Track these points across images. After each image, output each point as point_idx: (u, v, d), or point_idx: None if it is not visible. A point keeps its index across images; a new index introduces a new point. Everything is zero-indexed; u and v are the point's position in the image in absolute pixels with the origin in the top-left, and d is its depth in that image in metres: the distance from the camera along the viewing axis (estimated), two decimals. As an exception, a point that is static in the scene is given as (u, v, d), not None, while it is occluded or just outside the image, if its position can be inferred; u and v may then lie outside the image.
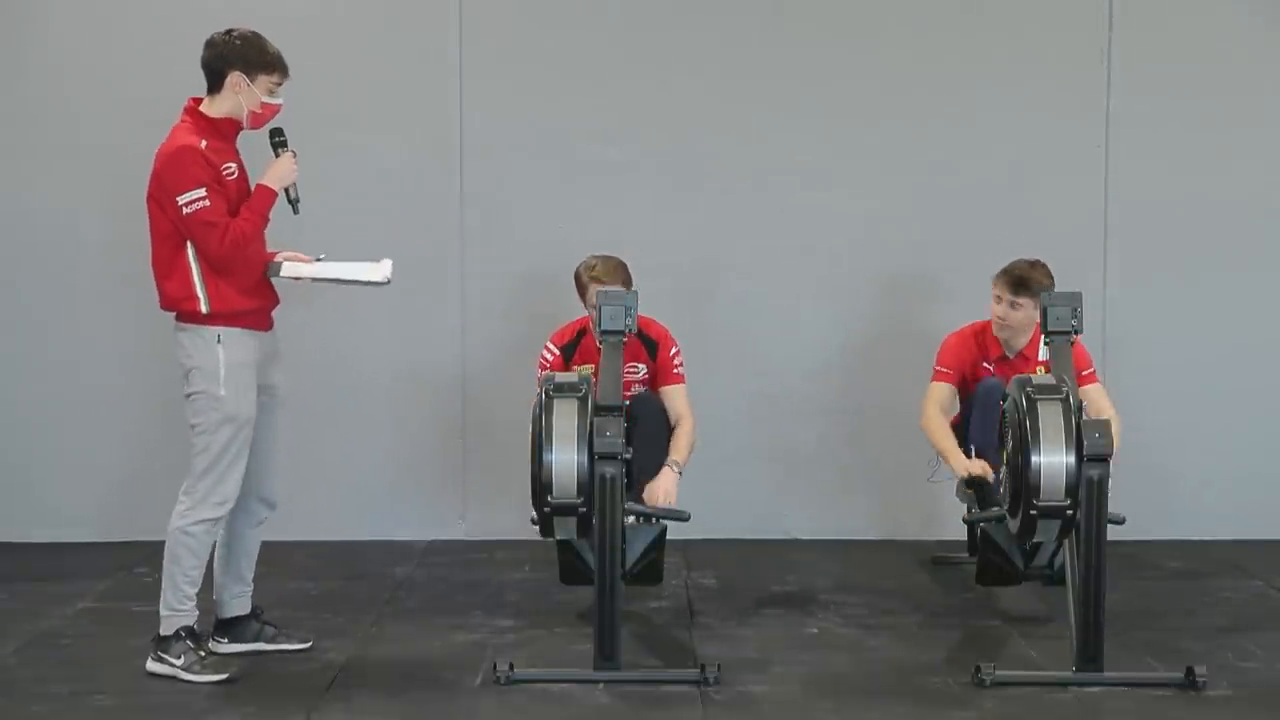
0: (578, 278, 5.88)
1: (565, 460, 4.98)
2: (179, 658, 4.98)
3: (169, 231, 4.97)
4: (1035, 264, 5.90)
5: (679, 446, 5.78)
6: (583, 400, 5.04)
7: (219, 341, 4.99)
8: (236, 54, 5.05)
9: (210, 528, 5.04)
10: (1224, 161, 6.87)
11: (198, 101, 5.08)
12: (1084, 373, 5.75)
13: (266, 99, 5.06)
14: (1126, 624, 5.47)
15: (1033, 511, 4.95)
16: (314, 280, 5.26)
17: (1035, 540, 5.19)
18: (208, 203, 4.91)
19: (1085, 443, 4.86)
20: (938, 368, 6.04)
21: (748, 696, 4.84)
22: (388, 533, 6.85)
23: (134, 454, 6.85)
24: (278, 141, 5.17)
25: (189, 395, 5.01)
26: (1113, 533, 4.94)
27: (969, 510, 5.80)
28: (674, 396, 5.91)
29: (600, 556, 4.97)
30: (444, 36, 6.79)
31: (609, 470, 4.91)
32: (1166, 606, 5.87)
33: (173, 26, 6.77)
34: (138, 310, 6.80)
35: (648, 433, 5.64)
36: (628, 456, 5.02)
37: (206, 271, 4.96)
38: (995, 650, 5.26)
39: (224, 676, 4.95)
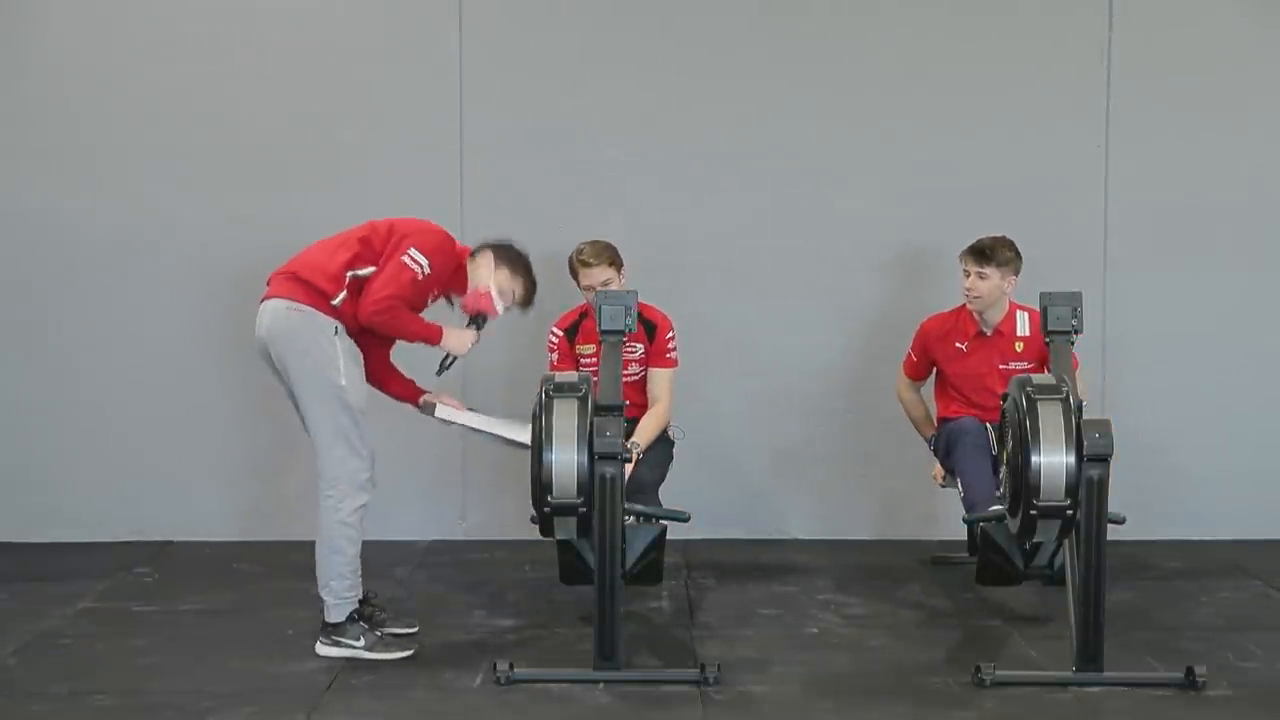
0: (570, 264, 6.08)
1: (565, 460, 4.97)
2: (358, 639, 5.14)
3: (368, 253, 5.20)
4: (998, 237, 6.04)
5: (645, 428, 5.94)
6: (583, 400, 5.04)
7: (336, 333, 5.13)
8: (514, 259, 5.42)
9: (364, 513, 5.18)
10: (1224, 161, 6.87)
11: (467, 251, 5.43)
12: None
13: (496, 300, 5.37)
14: (1126, 624, 5.47)
15: (1033, 511, 4.95)
16: (464, 428, 5.56)
17: (1035, 540, 5.19)
18: (419, 278, 5.18)
19: (1085, 443, 4.87)
20: (908, 353, 6.28)
21: (748, 696, 4.84)
22: (388, 533, 6.84)
23: (135, 454, 6.85)
24: (477, 320, 5.43)
25: (299, 386, 5.16)
26: (1113, 533, 4.94)
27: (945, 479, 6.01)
28: (660, 379, 6.08)
29: (600, 556, 4.97)
30: (445, 36, 6.79)
31: (609, 470, 4.91)
32: (1166, 606, 5.87)
33: (173, 26, 6.79)
34: (138, 310, 6.83)
35: (645, 458, 5.80)
36: (628, 459, 5.03)
37: (352, 291, 5.16)
38: (995, 650, 5.27)
39: (409, 653, 5.15)
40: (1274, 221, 6.91)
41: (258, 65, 6.78)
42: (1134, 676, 4.97)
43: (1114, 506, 4.97)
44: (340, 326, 5.15)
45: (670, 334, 6.09)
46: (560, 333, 6.14)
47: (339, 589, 5.17)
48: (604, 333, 5.34)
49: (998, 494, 5.47)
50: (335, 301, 5.14)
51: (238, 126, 6.79)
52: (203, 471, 6.86)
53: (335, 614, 5.17)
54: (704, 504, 6.28)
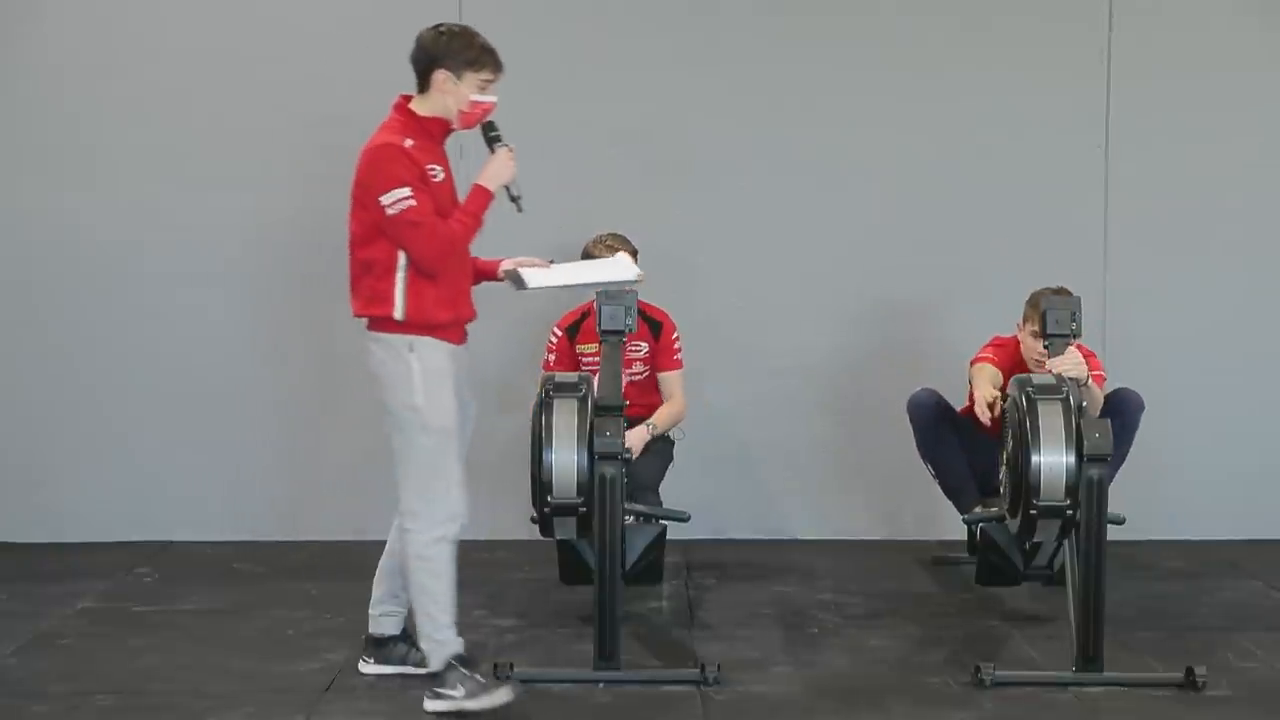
0: (586, 252, 6.02)
1: (565, 460, 4.98)
2: (457, 688, 4.64)
3: (371, 235, 4.69)
4: (1063, 291, 5.76)
5: (661, 414, 5.98)
6: (583, 400, 5.04)
7: (410, 350, 4.67)
8: (443, 50, 4.75)
9: (446, 546, 4.72)
10: (1223, 162, 6.86)
11: (407, 99, 4.80)
12: (1094, 374, 5.75)
13: (476, 97, 4.77)
14: (1126, 624, 5.47)
15: (1033, 511, 4.96)
16: (564, 287, 5.14)
17: (1035, 540, 5.20)
18: (414, 202, 4.61)
19: (1085, 443, 4.86)
20: (981, 355, 5.99)
21: (748, 696, 4.84)
22: (388, 533, 6.83)
23: (135, 454, 6.85)
24: (492, 136, 4.86)
25: (385, 411, 4.72)
26: (1113, 533, 4.94)
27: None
28: (670, 381, 6.10)
29: (600, 556, 4.97)
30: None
31: (609, 470, 4.91)
32: (1166, 606, 5.87)
33: (173, 26, 6.78)
34: (138, 310, 6.83)
35: (645, 460, 5.83)
36: (628, 457, 5.03)
37: (412, 278, 4.66)
38: (995, 650, 5.27)
39: (510, 699, 4.65)
40: (1274, 222, 6.91)
41: (257, 66, 6.78)
42: (1134, 676, 4.97)
43: (1114, 506, 4.97)
44: (415, 341, 4.67)
45: (675, 334, 6.13)
46: (561, 332, 6.14)
47: (430, 632, 4.70)
48: (604, 333, 5.33)
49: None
50: (398, 315, 4.67)
51: (237, 126, 6.79)
52: (203, 471, 6.85)
53: (433, 662, 4.70)
54: (704, 504, 6.28)
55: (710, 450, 6.72)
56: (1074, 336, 5.31)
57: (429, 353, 4.69)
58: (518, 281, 4.94)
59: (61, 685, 4.92)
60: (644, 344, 6.07)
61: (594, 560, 5.02)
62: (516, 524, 6.07)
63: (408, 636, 4.98)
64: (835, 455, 6.94)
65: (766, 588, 6.13)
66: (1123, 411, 5.71)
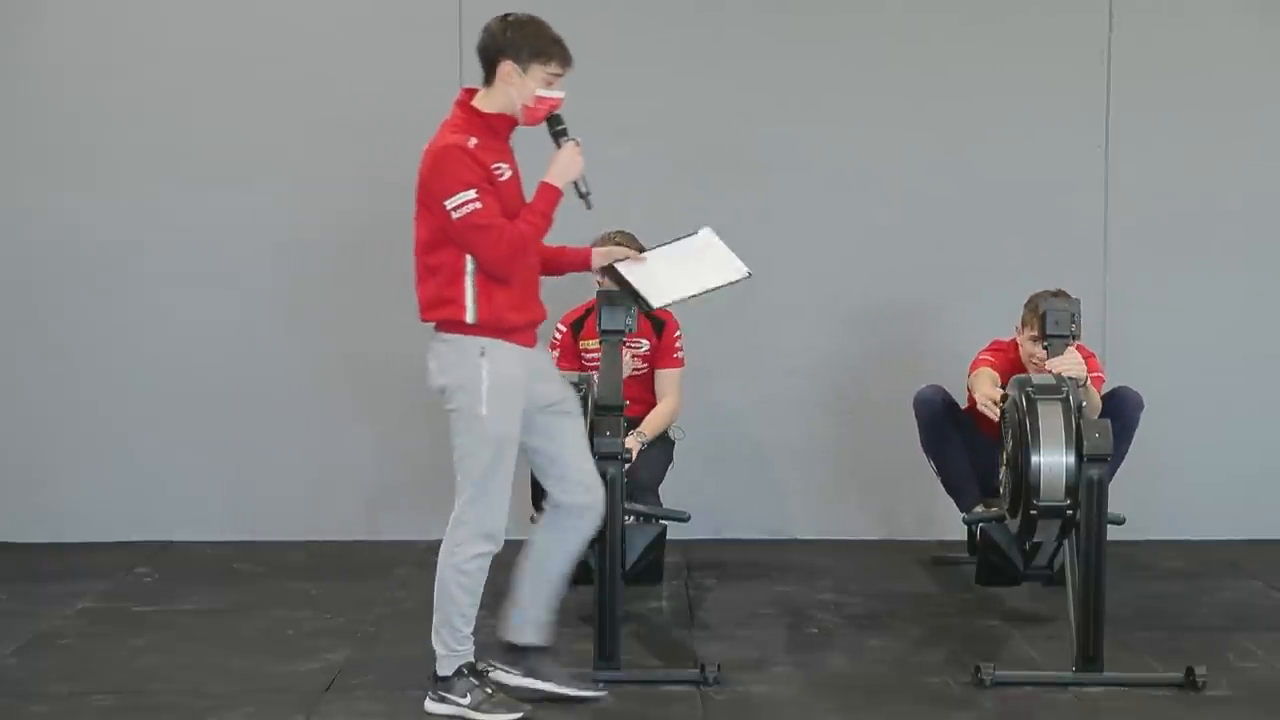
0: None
1: (565, 460, 4.97)
2: (465, 696, 4.60)
3: (436, 239, 4.52)
4: (1061, 294, 5.75)
5: (652, 420, 5.94)
6: (583, 400, 5.04)
7: (482, 354, 4.52)
8: (509, 40, 4.53)
9: (484, 563, 4.62)
10: (1224, 162, 6.87)
11: (470, 93, 4.62)
12: (1093, 375, 5.75)
13: (542, 92, 4.57)
14: (1126, 624, 5.47)
15: (1033, 511, 4.96)
16: (689, 299, 4.92)
17: (1035, 540, 5.20)
18: (479, 205, 4.44)
19: (1085, 443, 4.86)
20: (981, 357, 5.95)
21: (748, 696, 4.84)
22: (388, 533, 6.85)
23: (135, 454, 6.85)
24: (558, 131, 4.66)
25: (449, 411, 4.59)
26: (1113, 533, 4.94)
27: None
28: (668, 379, 6.09)
29: (600, 556, 4.97)
30: (445, 36, 6.78)
31: (609, 470, 4.90)
32: (1166, 606, 5.87)
33: (173, 26, 6.79)
34: (138, 310, 6.84)
35: (646, 460, 5.82)
36: (628, 459, 5.03)
37: (481, 282, 4.51)
38: (995, 650, 5.26)
39: (518, 716, 4.60)
40: (1274, 222, 6.91)
41: (257, 66, 6.79)
42: (1134, 676, 4.97)
43: (1114, 506, 4.97)
44: (487, 345, 4.53)
45: (678, 332, 6.14)
46: (565, 328, 6.16)
47: (448, 639, 4.62)
48: (604, 333, 5.32)
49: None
50: (470, 318, 4.53)
51: (237, 126, 6.79)
52: (203, 471, 6.86)
53: (443, 666, 4.64)
54: (704, 504, 6.29)
55: (711, 450, 6.73)
56: (1074, 338, 5.31)
57: (501, 359, 4.55)
58: (610, 274, 4.84)
59: (61, 685, 4.92)
60: (645, 341, 6.08)
61: (594, 560, 5.02)
62: (517, 524, 6.05)
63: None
64: (836, 455, 6.94)
65: (766, 588, 6.13)
66: (1122, 411, 5.71)
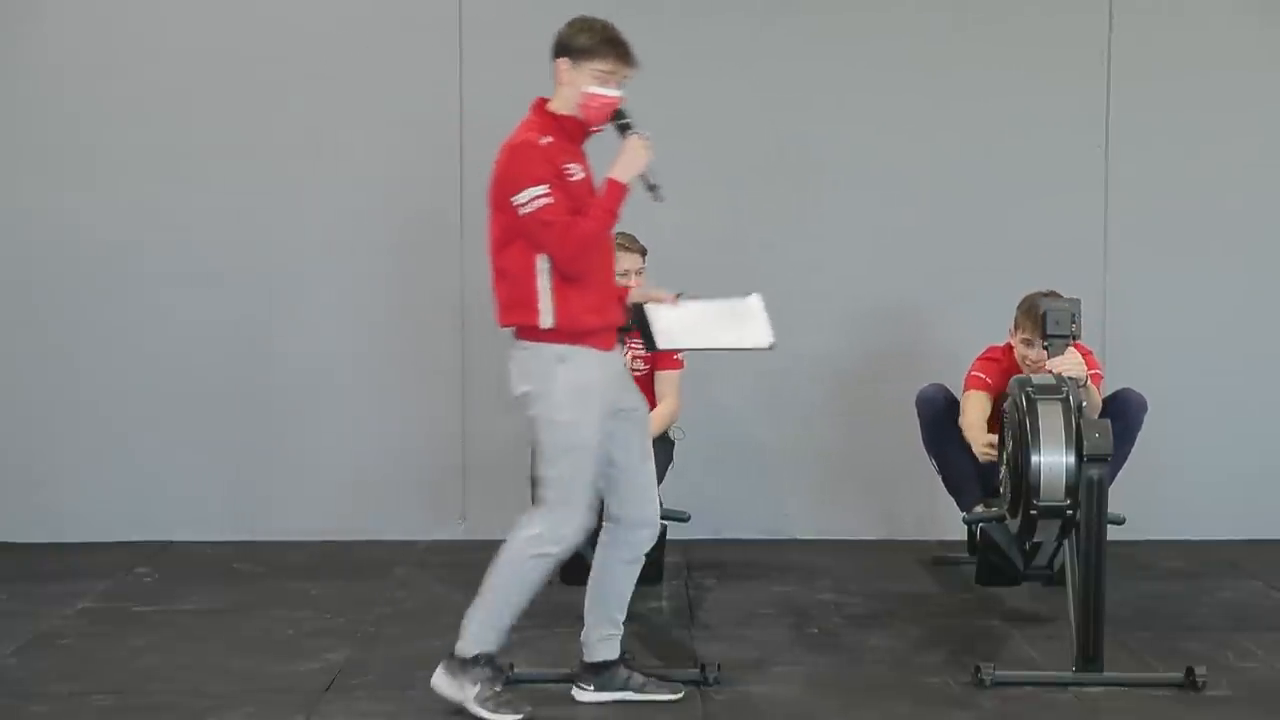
0: None
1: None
2: (474, 684, 4.58)
3: (508, 238, 4.50)
4: (1053, 295, 5.74)
5: (651, 419, 5.83)
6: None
7: (561, 362, 4.50)
8: (565, 38, 4.56)
9: (546, 565, 4.60)
10: (1224, 162, 6.87)
11: (544, 100, 4.62)
12: (1091, 372, 5.75)
13: (595, 89, 4.52)
14: (1126, 624, 5.47)
15: (1033, 511, 4.96)
16: (695, 351, 4.81)
17: (1035, 540, 5.20)
18: (549, 200, 4.41)
19: (1085, 443, 4.86)
20: (974, 374, 5.95)
21: (748, 696, 4.84)
22: (388, 533, 6.85)
23: (134, 454, 6.85)
24: (622, 124, 4.59)
25: (527, 416, 4.57)
26: (1113, 533, 4.94)
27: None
28: (667, 380, 6.08)
29: (600, 556, 4.96)
30: (445, 35, 6.79)
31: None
32: (1166, 606, 5.87)
33: (173, 26, 6.79)
34: (138, 310, 6.84)
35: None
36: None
37: (557, 284, 4.47)
38: (995, 650, 5.26)
39: (518, 717, 4.57)
40: (1274, 222, 6.92)
41: (257, 65, 6.79)
42: (1134, 676, 4.97)
43: (1114, 506, 4.97)
44: (565, 352, 4.49)
45: None
46: None
47: (483, 622, 4.62)
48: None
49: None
50: (545, 323, 4.49)
51: (238, 126, 6.79)
52: (203, 471, 6.86)
53: (466, 646, 4.61)
54: (704, 504, 6.29)
55: (711, 450, 6.73)
56: (1074, 338, 5.31)
57: (580, 365, 4.51)
58: (647, 338, 4.76)
59: (61, 685, 4.92)
60: None
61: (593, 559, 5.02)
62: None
63: (626, 660, 4.80)
64: (836, 455, 6.94)
65: (766, 588, 6.13)
66: (1125, 413, 5.70)
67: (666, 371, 6.10)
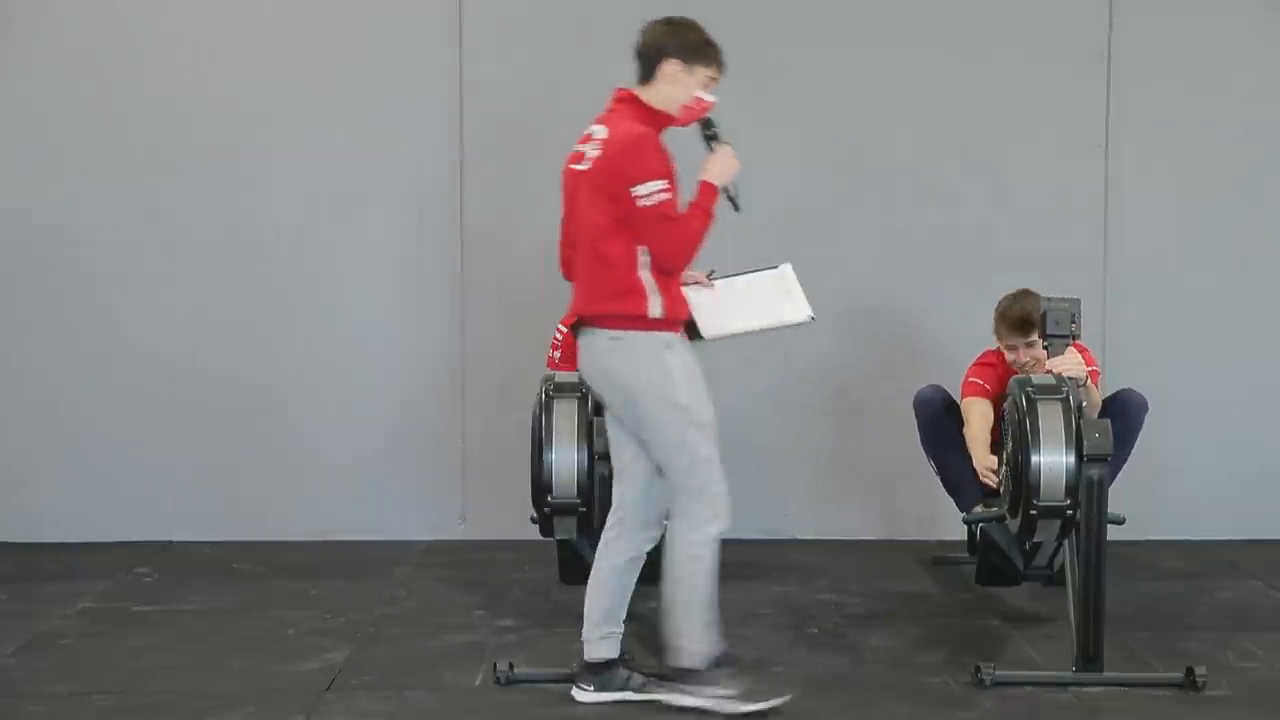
0: None
1: (565, 460, 4.98)
2: (721, 688, 4.59)
3: (616, 227, 4.50)
4: (1024, 295, 5.79)
5: None
6: (583, 400, 5.04)
7: (667, 348, 4.54)
8: (677, 41, 4.62)
9: (717, 545, 4.63)
10: (1224, 162, 6.87)
11: (630, 93, 4.65)
12: (1090, 369, 5.75)
13: (701, 93, 4.63)
14: (1126, 624, 5.47)
15: (1033, 511, 4.96)
16: (741, 334, 4.83)
17: (1035, 540, 5.19)
18: (669, 195, 4.47)
19: (1085, 443, 4.86)
20: (971, 380, 5.94)
21: (748, 696, 4.84)
22: (388, 533, 6.85)
23: (134, 454, 6.85)
24: (710, 134, 4.72)
25: (639, 415, 4.57)
26: (1113, 533, 4.94)
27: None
28: None
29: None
30: (444, 36, 6.79)
31: (609, 470, 4.90)
32: (1166, 606, 5.86)
33: (173, 26, 6.79)
34: (138, 310, 6.84)
35: None
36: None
37: (656, 275, 4.52)
38: (995, 650, 5.26)
39: (784, 699, 4.61)
40: (1274, 222, 6.91)
41: (257, 65, 6.79)
42: (1134, 676, 4.97)
43: (1114, 507, 4.97)
44: (669, 339, 4.55)
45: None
46: (566, 328, 6.11)
47: (698, 630, 4.61)
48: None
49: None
50: (654, 313, 4.52)
51: (238, 126, 6.79)
52: (203, 471, 6.86)
53: (693, 659, 4.60)
54: (704, 504, 6.27)
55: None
56: (1074, 337, 5.31)
57: (682, 351, 4.58)
58: (691, 328, 4.72)
59: (61, 685, 4.92)
60: None
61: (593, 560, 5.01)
62: (516, 524, 6.07)
63: (625, 659, 4.79)
64: (836, 455, 6.94)
65: (766, 588, 6.13)
66: (1125, 413, 5.69)
67: None
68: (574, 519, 5.03)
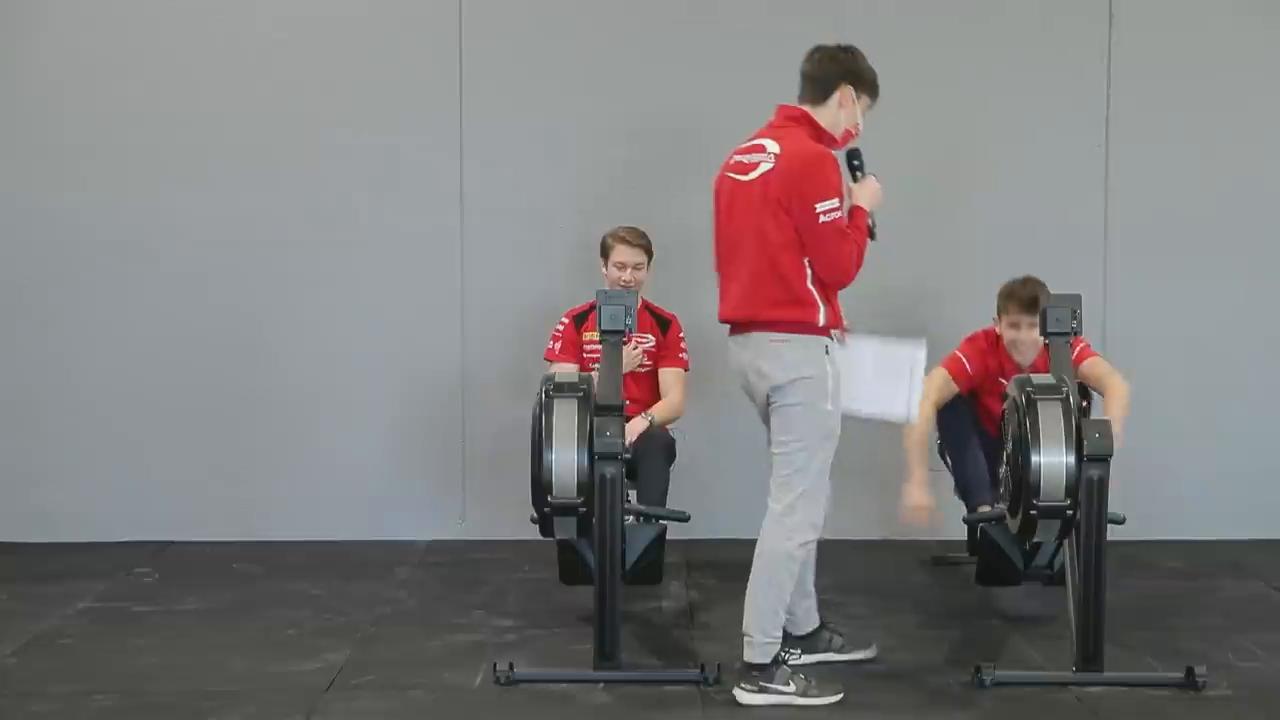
0: (604, 243, 6.11)
1: (565, 460, 4.97)
2: (788, 684, 4.74)
3: (793, 240, 4.72)
4: (1031, 280, 5.86)
5: (660, 407, 6.03)
6: (583, 400, 5.04)
7: (828, 354, 4.78)
8: (854, 68, 4.93)
9: (812, 550, 4.92)
10: (1223, 162, 6.87)
11: (800, 110, 4.91)
12: (1079, 348, 5.74)
13: (860, 123, 4.95)
14: (1126, 624, 5.47)
15: (1033, 511, 4.96)
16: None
17: (1035, 540, 5.19)
18: (842, 214, 4.75)
19: (1085, 443, 4.87)
20: (954, 354, 5.98)
21: (748, 696, 4.84)
22: (388, 533, 6.85)
23: (134, 454, 6.85)
24: (856, 165, 5.01)
25: (784, 405, 4.78)
26: (1113, 533, 4.94)
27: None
28: (672, 377, 6.14)
29: (600, 556, 4.97)
30: (445, 36, 6.79)
31: (609, 470, 4.91)
32: (1166, 606, 5.86)
33: (173, 26, 6.78)
34: (138, 310, 6.84)
35: (650, 464, 5.80)
36: (628, 457, 5.04)
37: (818, 286, 4.77)
38: (995, 650, 5.26)
39: (840, 696, 4.77)
40: (1274, 222, 6.91)
41: (257, 65, 6.79)
42: (1134, 676, 4.97)
43: (1114, 506, 4.97)
44: (831, 346, 4.80)
45: (683, 333, 6.19)
46: (567, 320, 6.19)
47: (769, 626, 4.77)
48: (604, 333, 5.32)
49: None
50: (821, 321, 4.76)
51: (238, 126, 6.79)
52: (203, 471, 6.85)
53: (760, 654, 4.75)
54: (705, 504, 6.28)
55: (711, 450, 6.72)
56: (1075, 334, 5.31)
57: (838, 360, 4.81)
58: None
59: (61, 685, 4.92)
60: (651, 336, 6.12)
61: (594, 560, 5.02)
62: (516, 524, 6.06)
63: (826, 624, 5.17)
64: (835, 455, 6.91)
65: (766, 588, 6.12)
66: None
67: (672, 369, 6.12)
68: (574, 519, 5.02)
